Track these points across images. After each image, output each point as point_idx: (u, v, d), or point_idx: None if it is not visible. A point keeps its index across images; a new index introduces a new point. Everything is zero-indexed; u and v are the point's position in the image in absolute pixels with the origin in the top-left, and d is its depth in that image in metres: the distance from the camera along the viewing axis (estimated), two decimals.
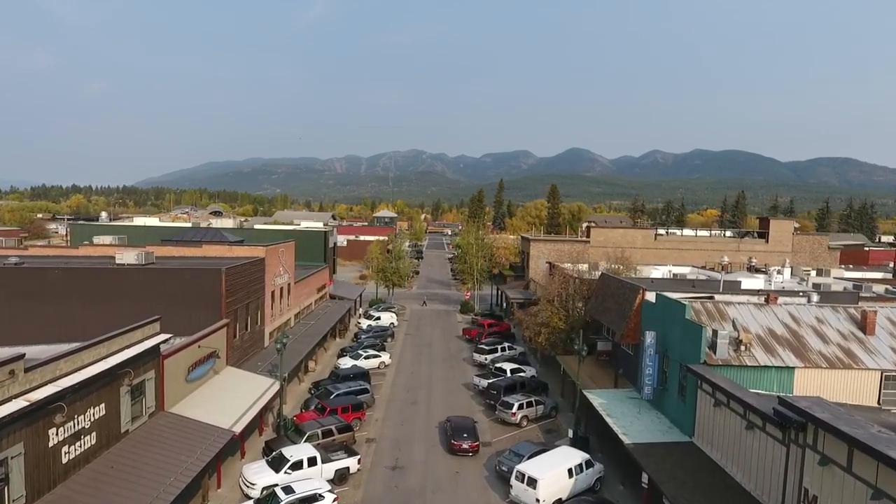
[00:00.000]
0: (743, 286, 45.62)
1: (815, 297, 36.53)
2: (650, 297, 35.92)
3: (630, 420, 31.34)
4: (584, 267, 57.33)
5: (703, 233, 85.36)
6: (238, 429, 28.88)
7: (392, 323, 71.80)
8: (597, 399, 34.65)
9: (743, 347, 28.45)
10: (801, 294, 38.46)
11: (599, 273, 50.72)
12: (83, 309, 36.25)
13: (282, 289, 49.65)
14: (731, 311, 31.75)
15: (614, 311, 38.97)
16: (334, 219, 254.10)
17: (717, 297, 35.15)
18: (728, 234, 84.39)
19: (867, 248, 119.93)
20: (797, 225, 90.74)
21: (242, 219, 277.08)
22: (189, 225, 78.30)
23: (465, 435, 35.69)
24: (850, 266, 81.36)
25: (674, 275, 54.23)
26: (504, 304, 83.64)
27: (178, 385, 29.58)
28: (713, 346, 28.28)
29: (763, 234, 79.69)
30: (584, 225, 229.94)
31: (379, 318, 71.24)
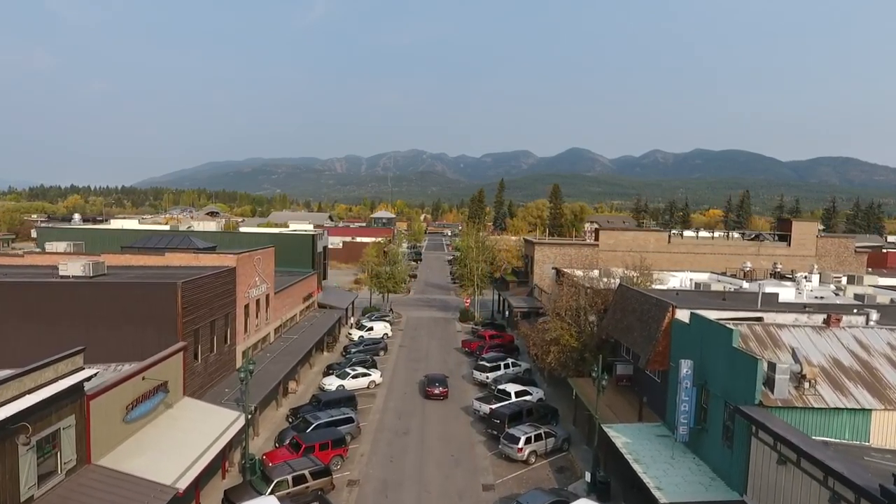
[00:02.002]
0: (781, 298, 40.17)
1: (874, 315, 31.06)
2: (682, 315, 30.52)
3: (663, 468, 25.92)
4: (595, 273, 51.92)
5: (718, 234, 79.91)
6: (183, 484, 23.46)
7: (386, 334, 66.44)
8: (620, 437, 29.24)
9: (807, 384, 23.03)
10: (854, 311, 32.98)
11: (614, 282, 45.38)
12: (16, 331, 30.87)
13: (258, 301, 44.23)
14: (785, 336, 26.33)
15: (637, 331, 33.55)
16: (331, 219, 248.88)
17: (765, 315, 29.68)
18: (742, 236, 78.89)
19: (885, 251, 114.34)
20: (822, 227, 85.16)
21: (240, 219, 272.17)
22: (166, 227, 72.85)
23: (437, 384, 46.10)
24: (869, 270, 76.04)
25: (696, 284, 48.82)
26: (507, 312, 78.26)
27: (112, 429, 24.17)
28: (770, 383, 22.85)
29: (784, 237, 74.20)
30: (587, 225, 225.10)
31: (371, 329, 65.87)
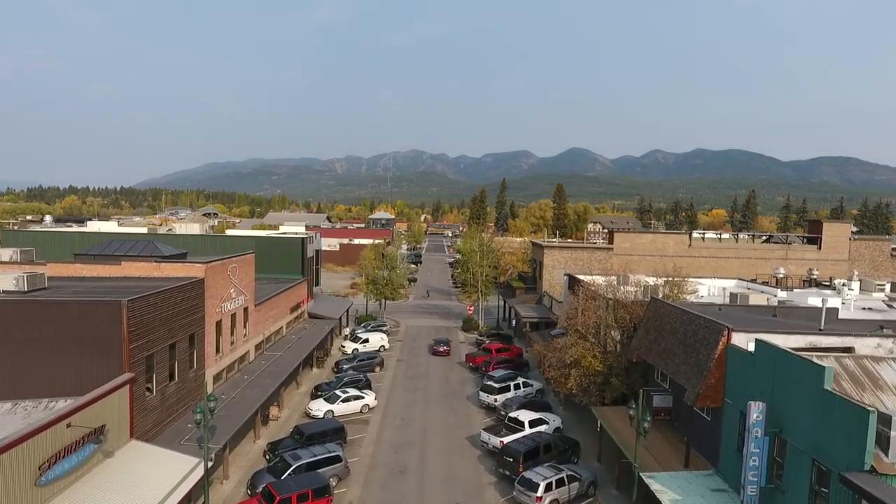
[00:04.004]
0: (842, 314, 34.60)
1: None
2: (739, 340, 24.95)
3: None
4: (613, 280, 46.30)
5: (743, 236, 74.23)
6: None
7: (382, 346, 60.85)
8: (666, 492, 23.66)
9: None
10: None
11: (635, 290, 39.71)
12: None
13: (234, 316, 38.63)
14: (885, 373, 20.72)
15: (680, 357, 27.94)
16: (329, 220, 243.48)
17: (850, 340, 24.04)
18: (769, 238, 73.33)
19: None
20: (855, 228, 79.56)
21: (237, 220, 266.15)
22: (143, 230, 67.14)
23: (441, 343, 61.44)
24: None
25: (732, 295, 43.12)
26: (514, 322, 72.68)
27: (17, 498, 18.60)
28: (883, 442, 17.26)
29: (814, 240, 68.58)
30: (590, 226, 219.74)
31: (367, 341, 60.25)
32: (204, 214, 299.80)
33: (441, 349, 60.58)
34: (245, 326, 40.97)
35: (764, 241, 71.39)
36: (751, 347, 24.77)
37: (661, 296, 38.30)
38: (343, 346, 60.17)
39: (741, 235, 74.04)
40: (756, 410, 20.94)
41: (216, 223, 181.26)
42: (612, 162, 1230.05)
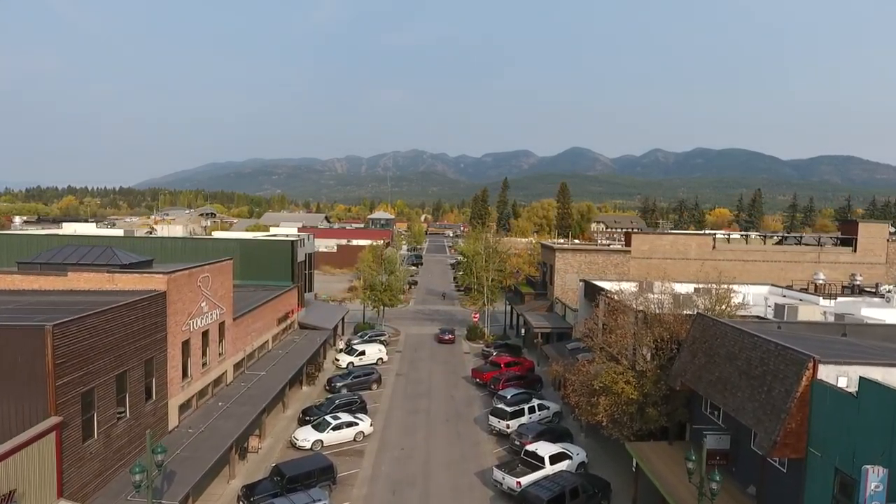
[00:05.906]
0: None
1: None
2: (826, 374, 19.68)
3: None
4: (633, 286, 40.98)
5: (763, 237, 68.94)
6: None
7: (380, 359, 55.62)
8: None
9: None
10: None
11: (659, 298, 34.38)
12: None
13: (206, 333, 33.33)
14: None
15: (744, 392, 22.62)
16: (328, 220, 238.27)
17: None
18: (799, 240, 68.05)
19: None
20: (893, 229, 74.38)
21: (234, 220, 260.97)
22: (118, 232, 61.67)
23: (447, 332, 65.54)
24: None
25: (776, 306, 37.87)
26: (522, 330, 67.37)
27: None
28: None
29: (848, 242, 63.31)
30: (594, 226, 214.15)
31: (363, 354, 54.99)
32: (202, 215, 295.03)
33: (446, 337, 64.60)
34: (221, 344, 35.68)
35: (778, 243, 66.07)
36: (842, 383, 19.65)
37: (702, 308, 33.11)
38: (337, 360, 54.80)
39: (769, 236, 68.69)
40: (875, 478, 15.65)
41: (210, 223, 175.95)
42: (612, 161, 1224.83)
